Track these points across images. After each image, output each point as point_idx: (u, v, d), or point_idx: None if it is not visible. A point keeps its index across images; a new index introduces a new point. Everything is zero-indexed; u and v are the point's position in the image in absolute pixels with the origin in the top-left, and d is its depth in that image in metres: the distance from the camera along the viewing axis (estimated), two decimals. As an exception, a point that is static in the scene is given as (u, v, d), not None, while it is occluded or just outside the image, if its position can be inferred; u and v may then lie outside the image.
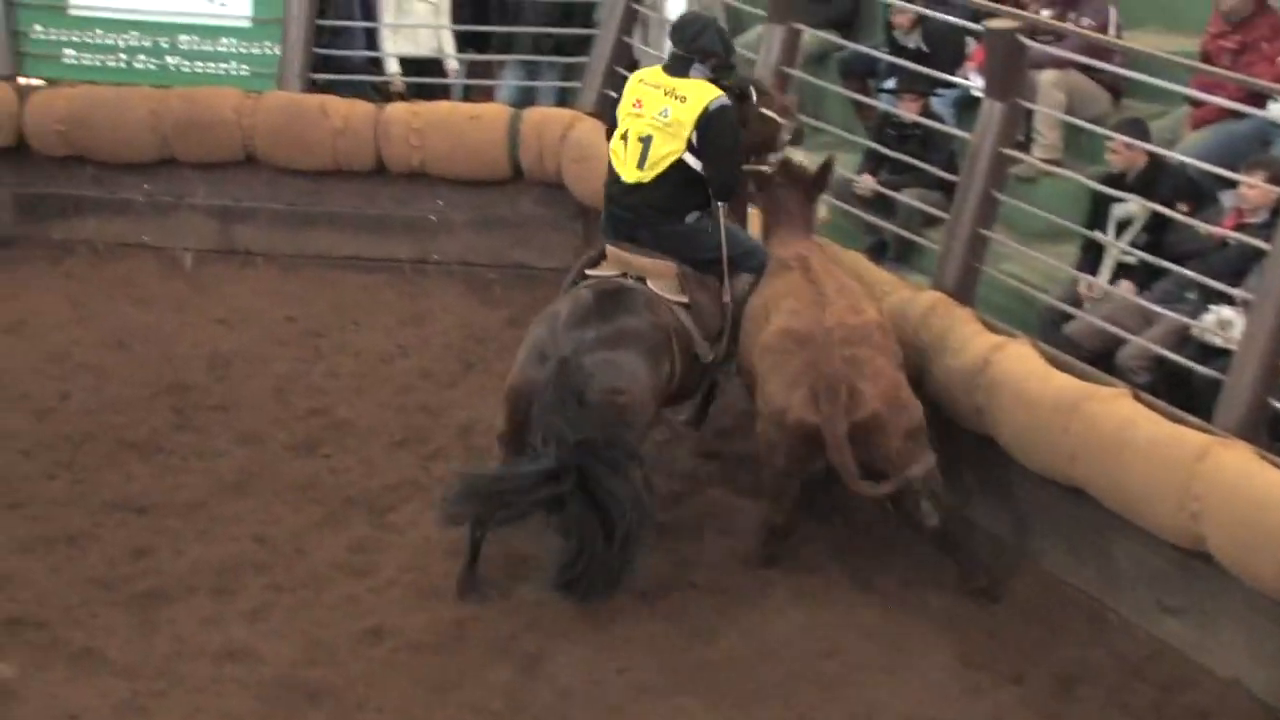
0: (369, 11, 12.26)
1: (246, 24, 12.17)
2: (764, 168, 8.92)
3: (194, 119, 11.79)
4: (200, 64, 12.21)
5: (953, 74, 10.39)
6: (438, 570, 8.33)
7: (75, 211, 12.18)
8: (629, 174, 8.49)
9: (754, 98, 8.81)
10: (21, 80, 12.36)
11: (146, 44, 12.24)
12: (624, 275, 8.48)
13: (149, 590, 8.24)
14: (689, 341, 8.40)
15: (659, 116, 8.41)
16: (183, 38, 12.20)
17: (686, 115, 8.36)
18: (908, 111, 10.17)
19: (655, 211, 8.49)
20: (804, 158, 9.35)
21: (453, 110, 11.74)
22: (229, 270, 11.84)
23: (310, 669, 7.69)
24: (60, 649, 7.80)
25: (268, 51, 12.11)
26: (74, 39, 12.33)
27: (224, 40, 12.17)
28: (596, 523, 7.70)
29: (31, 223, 12.22)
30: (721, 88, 8.46)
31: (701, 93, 8.39)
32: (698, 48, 8.47)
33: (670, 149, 8.40)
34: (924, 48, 10.91)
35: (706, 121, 8.36)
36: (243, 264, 11.92)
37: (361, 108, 11.70)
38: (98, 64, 12.32)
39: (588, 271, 8.64)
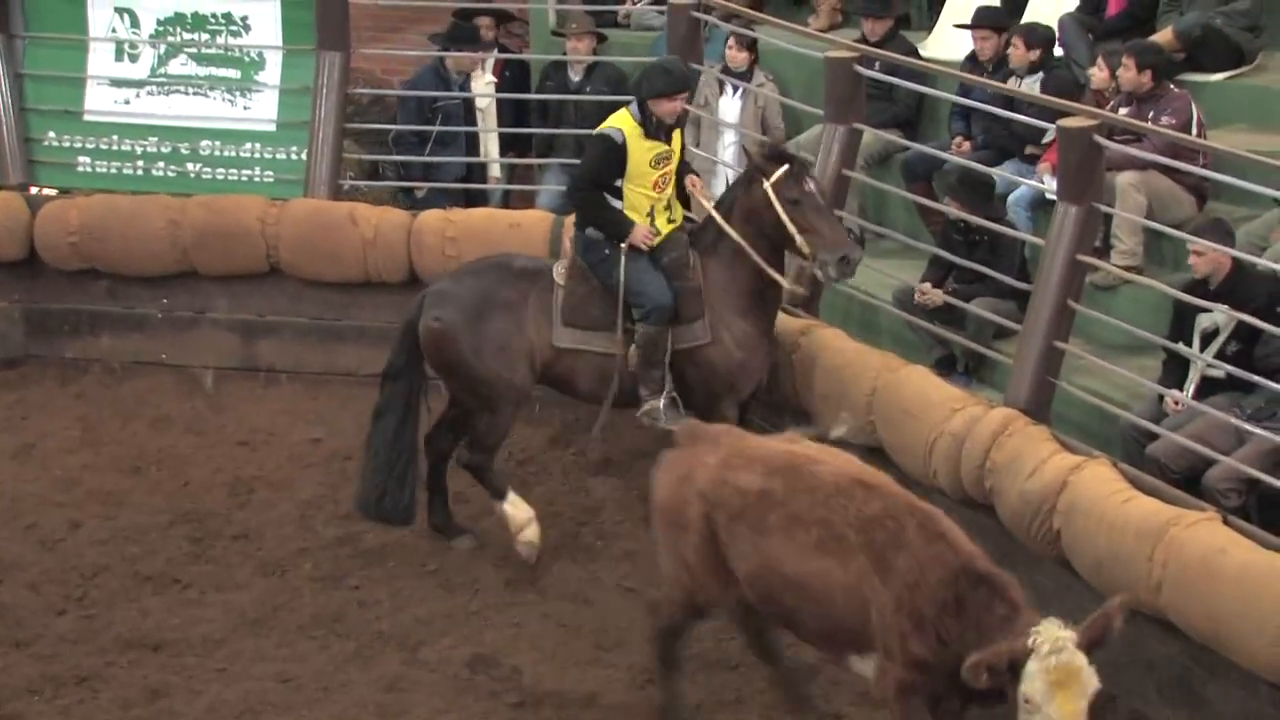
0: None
1: (271, 128, 12.34)
2: (787, 282, 9.62)
3: (215, 228, 11.84)
4: (222, 170, 12.35)
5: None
6: (474, 710, 8.33)
7: (88, 328, 12.23)
8: None
9: (768, 179, 9.34)
10: (33, 190, 12.49)
11: (165, 150, 12.41)
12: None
13: (165, 734, 8.24)
14: (549, 321, 9.73)
15: None
16: (204, 143, 12.36)
17: None
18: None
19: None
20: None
21: (490, 217, 11.77)
22: (251, 389, 11.87)
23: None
24: (70, 801, 7.82)
25: (293, 156, 12.26)
26: (89, 145, 12.52)
27: (247, 145, 12.33)
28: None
29: (42, 340, 12.28)
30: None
31: (603, 123, 9.81)
32: (633, 85, 9.91)
33: None
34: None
35: (586, 143, 10.08)
36: (266, 382, 11.94)
37: (393, 215, 11.77)
38: (114, 171, 12.49)
39: None
